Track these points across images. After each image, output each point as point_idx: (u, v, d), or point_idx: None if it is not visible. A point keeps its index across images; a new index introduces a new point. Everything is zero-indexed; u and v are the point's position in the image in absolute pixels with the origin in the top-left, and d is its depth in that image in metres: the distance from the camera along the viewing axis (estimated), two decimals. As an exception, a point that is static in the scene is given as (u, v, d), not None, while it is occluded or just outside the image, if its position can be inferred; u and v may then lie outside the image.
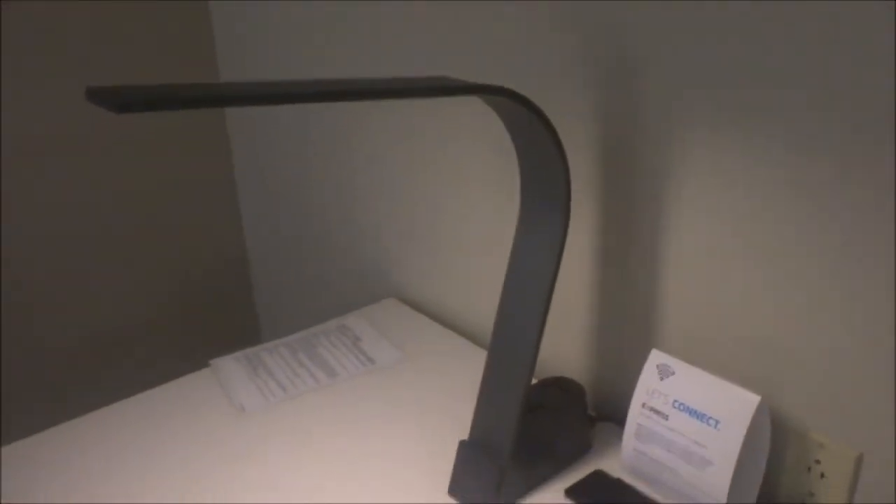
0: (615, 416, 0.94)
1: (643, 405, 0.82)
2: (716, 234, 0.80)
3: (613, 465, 0.87)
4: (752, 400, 0.75)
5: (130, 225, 1.60)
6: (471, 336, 1.18)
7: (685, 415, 0.79)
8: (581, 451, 0.89)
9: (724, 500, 0.76)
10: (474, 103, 1.03)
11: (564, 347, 1.01)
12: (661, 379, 0.81)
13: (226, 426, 0.97)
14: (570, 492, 0.84)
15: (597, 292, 0.95)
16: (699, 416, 0.78)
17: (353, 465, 0.89)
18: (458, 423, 0.94)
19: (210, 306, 1.77)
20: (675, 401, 0.80)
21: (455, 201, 1.13)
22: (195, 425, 0.97)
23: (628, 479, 0.85)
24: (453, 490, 0.84)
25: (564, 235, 0.76)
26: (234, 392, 1.04)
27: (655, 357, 0.82)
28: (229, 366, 1.10)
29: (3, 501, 0.84)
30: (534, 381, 0.93)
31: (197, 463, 0.90)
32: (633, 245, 0.89)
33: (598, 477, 0.86)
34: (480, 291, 1.15)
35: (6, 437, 0.94)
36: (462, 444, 0.85)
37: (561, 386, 0.91)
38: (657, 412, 0.81)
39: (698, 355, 0.85)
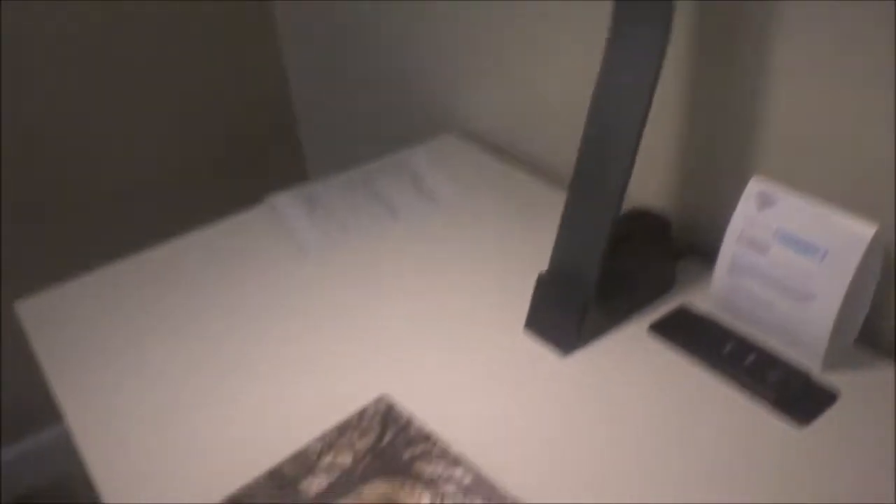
0: (702, 250, 0.88)
1: (739, 236, 0.76)
2: (834, 43, 0.71)
3: (699, 301, 0.82)
4: (865, 231, 0.68)
5: (165, 65, 1.52)
6: (538, 172, 1.11)
7: (787, 246, 0.72)
8: (665, 286, 0.84)
9: (827, 336, 0.71)
10: None
11: (648, 176, 0.94)
12: (761, 208, 0.75)
13: (285, 264, 0.93)
14: (654, 328, 0.79)
15: (687, 111, 0.87)
16: (804, 247, 0.71)
17: (422, 303, 0.85)
18: (531, 259, 0.88)
19: (253, 147, 1.71)
20: (777, 231, 0.73)
21: (523, 20, 1.03)
22: (253, 262, 0.93)
23: (716, 316, 0.80)
24: (531, 325, 0.80)
25: (667, 36, 0.67)
26: (293, 229, 0.99)
27: (756, 184, 0.75)
28: (285, 202, 1.05)
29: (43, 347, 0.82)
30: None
31: (257, 300, 0.87)
32: (734, 52, 0.80)
33: (684, 313, 0.81)
34: (550, 123, 1.07)
35: (60, 276, 0.92)
36: (541, 277, 0.80)
37: (645, 218, 0.85)
38: (755, 244, 0.75)
39: (804, 184, 0.78)
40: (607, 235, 0.74)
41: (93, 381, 0.77)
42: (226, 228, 1.01)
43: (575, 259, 0.77)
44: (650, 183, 0.93)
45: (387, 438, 0.67)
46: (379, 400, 0.71)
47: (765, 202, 0.75)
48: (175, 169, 1.61)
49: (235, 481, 0.65)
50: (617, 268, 0.77)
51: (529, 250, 0.91)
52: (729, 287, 0.78)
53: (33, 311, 0.87)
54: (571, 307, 0.77)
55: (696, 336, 0.78)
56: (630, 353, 0.76)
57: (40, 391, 0.78)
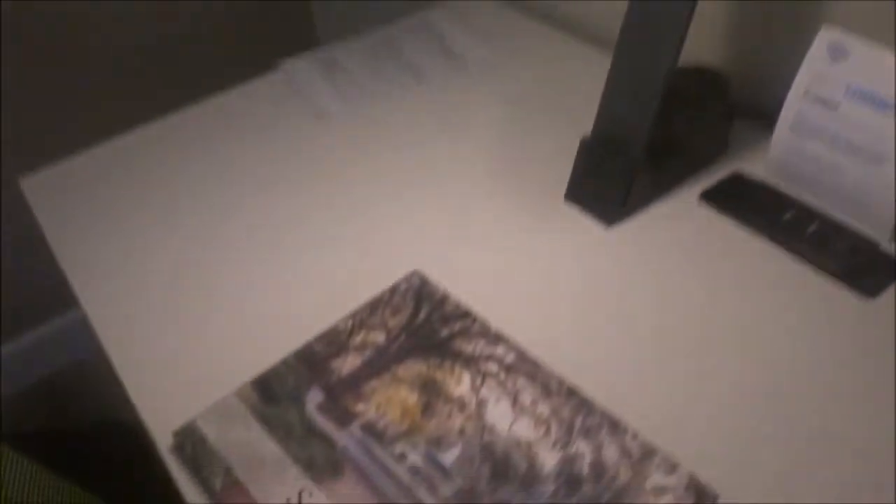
0: (759, 111, 0.80)
1: (805, 93, 0.69)
2: None
3: (755, 167, 0.75)
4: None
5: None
6: (577, 33, 1.01)
7: (860, 103, 0.65)
8: (717, 151, 0.77)
9: (899, 202, 0.64)
10: None
11: (702, 27, 0.85)
12: (832, 62, 0.67)
13: (305, 132, 0.86)
14: (706, 196, 0.73)
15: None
16: (880, 103, 0.64)
17: (453, 172, 0.79)
18: (571, 124, 0.81)
19: (258, 11, 1.61)
20: (849, 86, 0.66)
21: None
22: (270, 130, 0.87)
23: (774, 182, 0.73)
24: (572, 195, 0.74)
25: None
26: (312, 95, 0.92)
27: (826, 34, 0.67)
28: (302, 67, 0.97)
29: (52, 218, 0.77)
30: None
31: (276, 170, 0.81)
32: None
33: (738, 179, 0.75)
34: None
35: (64, 152, 0.86)
36: (583, 142, 0.73)
37: (699, 75, 0.77)
38: (823, 101, 0.67)
39: (879, 34, 0.69)
40: (659, 93, 0.67)
41: (105, 259, 0.72)
42: (239, 95, 0.94)
43: (622, 121, 0.70)
44: (704, 35, 0.85)
45: (421, 316, 0.63)
46: (411, 275, 0.67)
47: (836, 54, 0.67)
48: (175, 34, 1.52)
49: (262, 362, 0.61)
50: (666, 130, 0.70)
51: (569, 115, 0.84)
52: (790, 150, 0.71)
53: (38, 188, 0.82)
54: (617, 174, 0.71)
55: (752, 204, 0.72)
56: (679, 223, 0.71)
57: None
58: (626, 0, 0.67)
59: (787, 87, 0.69)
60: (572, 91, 0.88)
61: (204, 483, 0.54)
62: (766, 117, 0.75)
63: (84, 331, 0.80)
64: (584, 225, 0.71)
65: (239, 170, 0.81)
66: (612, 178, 0.71)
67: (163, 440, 0.57)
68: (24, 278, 1.53)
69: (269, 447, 0.54)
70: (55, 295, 1.52)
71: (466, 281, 0.66)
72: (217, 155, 0.84)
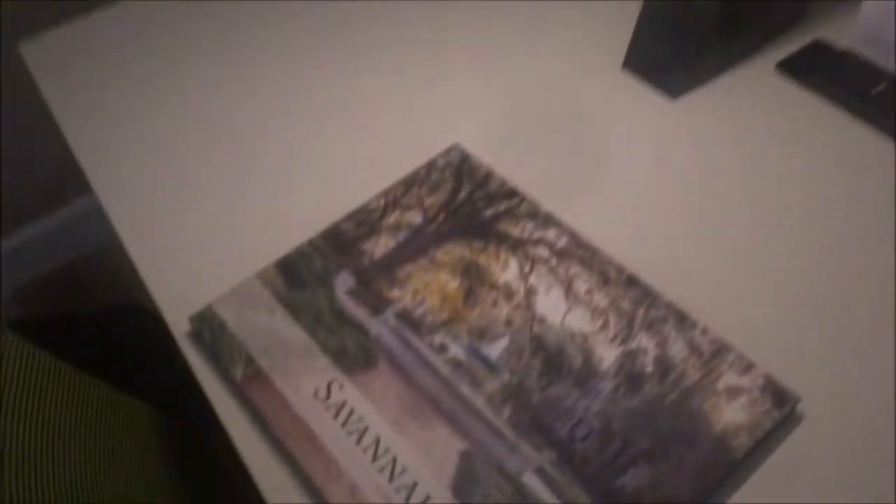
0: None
1: (912, -56, 0.59)
2: None
3: (838, 36, 0.66)
4: None
5: None
6: None
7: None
8: (796, 16, 0.68)
9: None
10: None
11: None
12: None
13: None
14: (783, 65, 0.65)
15: None
16: None
17: (496, 35, 0.70)
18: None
19: None
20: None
21: None
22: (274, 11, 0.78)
23: (861, 51, 0.64)
24: (631, 63, 0.65)
25: None
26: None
27: None
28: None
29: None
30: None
31: (301, 35, 0.73)
32: None
33: (820, 48, 0.66)
34: None
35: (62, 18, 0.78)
36: (646, 4, 0.64)
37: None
38: (933, -47, 0.58)
39: None
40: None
41: (116, 135, 0.65)
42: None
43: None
44: None
45: (462, 194, 0.56)
46: (451, 150, 0.60)
47: None
48: None
49: (286, 244, 0.55)
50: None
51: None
52: (882, 14, 0.62)
53: (40, 53, 0.74)
54: (686, 40, 0.62)
55: (837, 75, 0.63)
56: (753, 95, 0.63)
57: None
58: None
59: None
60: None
61: (223, 372, 0.49)
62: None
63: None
64: (644, 96, 0.63)
65: (260, 39, 0.73)
66: (680, 45, 0.62)
67: (180, 326, 0.51)
68: (43, 160, 1.47)
69: (295, 334, 0.49)
70: (79, 177, 1.47)
71: (512, 158, 0.59)
72: (235, 23, 0.76)
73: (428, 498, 0.42)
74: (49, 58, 0.73)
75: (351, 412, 0.45)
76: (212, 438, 0.87)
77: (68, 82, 0.70)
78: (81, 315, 1.23)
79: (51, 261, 1.60)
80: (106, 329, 1.24)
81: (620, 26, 0.68)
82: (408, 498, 0.42)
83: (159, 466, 0.69)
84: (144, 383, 1.12)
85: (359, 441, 0.44)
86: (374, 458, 0.43)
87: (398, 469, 0.43)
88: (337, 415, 0.45)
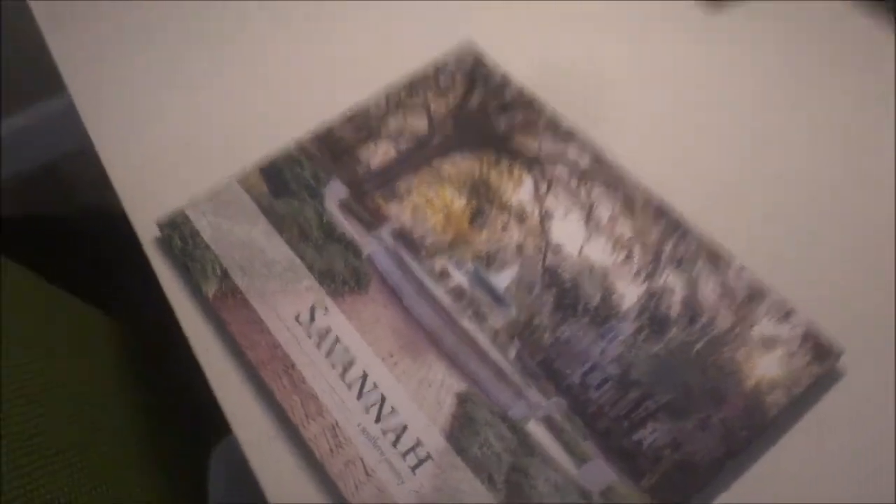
0: None
1: None
2: None
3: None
4: None
5: None
6: None
7: None
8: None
9: None
10: None
11: None
12: None
13: None
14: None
15: None
16: None
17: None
18: None
19: None
20: None
21: None
22: None
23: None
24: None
25: None
26: None
27: None
28: None
29: None
30: None
31: None
32: None
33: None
34: None
35: None
36: None
37: None
38: None
39: None
40: None
41: (92, 38, 0.58)
42: None
43: None
44: None
45: (474, 100, 0.50)
46: (463, 48, 0.52)
47: None
48: None
49: (273, 146, 0.49)
50: None
51: None
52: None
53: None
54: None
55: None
56: (800, 9, 0.55)
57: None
58: None
59: None
60: None
61: (194, 287, 0.43)
62: None
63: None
64: (679, 4, 0.56)
65: None
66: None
67: (148, 232, 0.45)
68: (27, 56, 1.38)
69: (278, 249, 0.43)
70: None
71: (532, 62, 0.52)
72: None
73: (418, 444, 0.37)
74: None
75: (336, 341, 0.40)
76: (178, 356, 0.83)
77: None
78: (55, 217, 1.17)
79: (34, 157, 1.53)
80: (77, 233, 1.18)
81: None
82: (395, 442, 0.37)
83: (114, 384, 0.65)
84: (111, 292, 1.07)
85: (343, 375, 0.39)
86: (360, 395, 0.38)
87: (386, 409, 0.38)
88: (320, 343, 0.40)
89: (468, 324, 0.40)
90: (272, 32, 0.55)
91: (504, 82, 0.50)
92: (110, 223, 1.19)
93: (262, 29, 0.56)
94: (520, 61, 0.52)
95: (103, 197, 1.42)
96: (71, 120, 1.52)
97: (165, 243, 0.45)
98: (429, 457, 0.36)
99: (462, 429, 0.37)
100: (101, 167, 1.42)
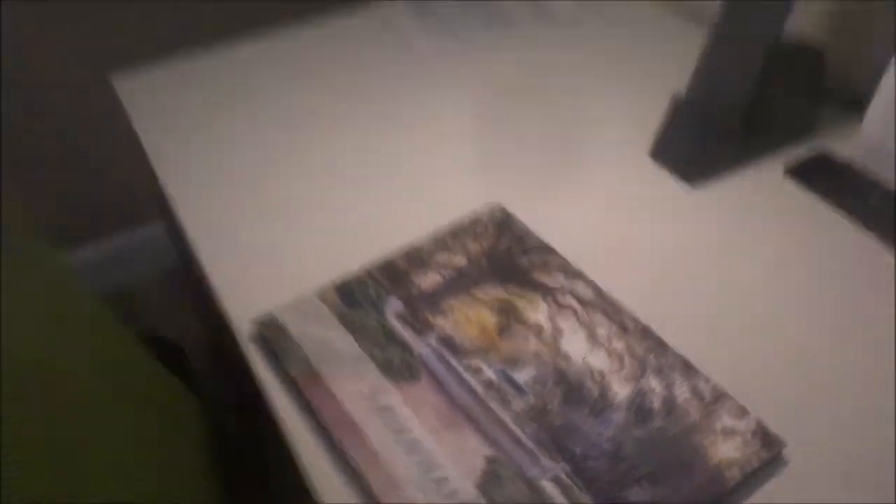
0: (850, 95, 0.80)
1: (909, 77, 0.68)
2: None
3: (842, 149, 0.75)
4: None
5: None
6: (669, 6, 1.01)
7: (966, 91, 0.65)
8: (806, 127, 0.77)
9: None
10: None
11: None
12: (942, 47, 0.66)
13: (394, 64, 0.88)
14: (791, 171, 0.73)
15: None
16: None
17: (538, 115, 0.80)
18: (656, 86, 0.82)
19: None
20: (956, 74, 0.65)
21: None
22: (362, 59, 0.88)
23: (862, 165, 0.73)
24: (657, 152, 0.74)
25: None
26: (404, 33, 0.93)
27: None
28: (395, 6, 0.98)
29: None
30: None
31: (366, 93, 0.82)
32: None
33: (825, 159, 0.75)
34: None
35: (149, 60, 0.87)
36: (675, 100, 0.73)
37: (798, 50, 0.76)
38: (927, 86, 0.67)
39: None
40: (760, 62, 0.67)
41: (195, 160, 0.74)
42: (330, 28, 0.95)
43: (718, 84, 0.70)
44: (806, 9, 0.84)
45: (502, 245, 0.64)
46: (493, 207, 0.68)
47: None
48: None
49: (342, 270, 0.63)
50: (759, 100, 0.71)
51: (655, 78, 0.84)
52: (882, 133, 0.71)
53: (129, 86, 0.84)
54: (707, 136, 0.71)
55: (839, 183, 0.72)
56: (763, 193, 0.71)
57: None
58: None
59: (883, 70, 0.69)
60: (656, 54, 0.88)
61: (282, 370, 0.55)
62: (857, 102, 0.74)
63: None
64: (665, 182, 0.72)
65: (329, 92, 0.83)
66: (702, 140, 0.71)
67: (242, 328, 0.58)
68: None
69: (348, 346, 0.56)
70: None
71: (546, 221, 0.67)
72: (310, 76, 0.85)
73: (456, 492, 0.48)
74: (139, 90, 0.83)
75: (393, 414, 0.52)
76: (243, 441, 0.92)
77: (154, 111, 0.79)
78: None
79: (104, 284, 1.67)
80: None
81: (646, 120, 0.77)
82: (438, 490, 0.48)
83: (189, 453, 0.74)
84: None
85: (398, 439, 0.50)
86: (411, 453, 0.50)
87: (431, 465, 0.49)
88: (380, 414, 0.52)
89: (496, 406, 0.53)
90: (345, 182, 0.71)
91: (526, 233, 0.65)
92: (164, 349, 1.31)
93: (338, 178, 0.71)
94: (537, 220, 0.67)
95: (156, 328, 1.55)
96: (138, 252, 1.67)
97: (258, 336, 0.58)
98: (464, 502, 0.48)
99: (490, 483, 0.49)
100: (164, 298, 1.56)
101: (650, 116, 0.78)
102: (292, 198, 0.70)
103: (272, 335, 0.57)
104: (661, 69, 0.85)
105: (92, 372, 0.60)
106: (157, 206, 0.83)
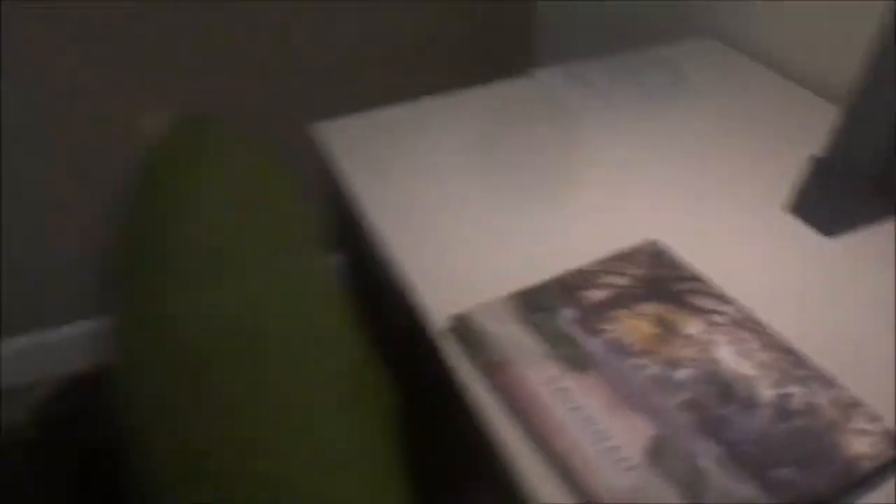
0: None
1: None
2: None
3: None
4: None
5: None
6: (810, 86, 1.12)
7: None
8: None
9: None
10: None
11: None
12: None
13: (558, 126, 1.01)
14: (922, 227, 0.81)
15: None
16: None
17: (688, 171, 0.91)
18: (785, 148, 0.92)
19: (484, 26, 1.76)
20: None
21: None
22: (528, 121, 1.02)
23: None
24: (797, 207, 0.84)
25: None
26: (562, 101, 1.07)
27: None
28: (553, 76, 1.12)
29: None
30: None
31: (537, 149, 0.95)
32: None
33: (954, 219, 0.82)
34: (824, 39, 1.08)
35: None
36: (815, 158, 0.83)
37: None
38: None
39: None
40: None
41: (394, 198, 0.88)
42: (493, 92, 1.09)
43: (857, 143, 0.79)
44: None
45: (658, 272, 0.75)
46: (651, 242, 0.79)
47: None
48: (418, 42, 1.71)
49: (522, 281, 0.75)
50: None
51: (782, 141, 0.94)
52: None
53: (331, 133, 0.99)
54: (845, 192, 0.80)
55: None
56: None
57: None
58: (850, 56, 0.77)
59: None
60: (781, 122, 0.99)
61: (477, 358, 0.67)
62: None
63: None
64: (804, 232, 0.82)
65: (505, 148, 0.97)
66: (841, 196, 0.81)
67: (438, 321, 0.71)
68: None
69: (530, 341, 0.68)
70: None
71: (696, 259, 0.78)
72: (479, 133, 1.00)
73: (625, 459, 0.58)
74: (340, 136, 0.98)
75: (570, 395, 0.63)
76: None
77: (355, 155, 0.95)
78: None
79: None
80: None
81: (784, 179, 0.87)
82: (610, 455, 0.58)
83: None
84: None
85: (575, 414, 0.61)
86: (586, 426, 0.61)
87: (604, 436, 0.60)
88: (560, 395, 0.63)
89: (658, 397, 0.63)
90: (527, 216, 0.84)
91: (679, 265, 0.76)
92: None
93: (521, 213, 0.84)
94: (689, 255, 0.78)
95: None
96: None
97: (454, 329, 0.70)
98: (634, 466, 0.58)
99: (654, 455, 0.59)
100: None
101: (783, 175, 0.88)
102: (481, 226, 0.83)
103: (468, 329, 0.69)
104: (786, 134, 0.96)
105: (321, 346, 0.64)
106: (337, 238, 0.97)
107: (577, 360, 0.66)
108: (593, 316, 0.70)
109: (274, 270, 0.61)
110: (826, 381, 0.64)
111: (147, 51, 1.47)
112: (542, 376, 0.65)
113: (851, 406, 0.62)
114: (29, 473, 1.38)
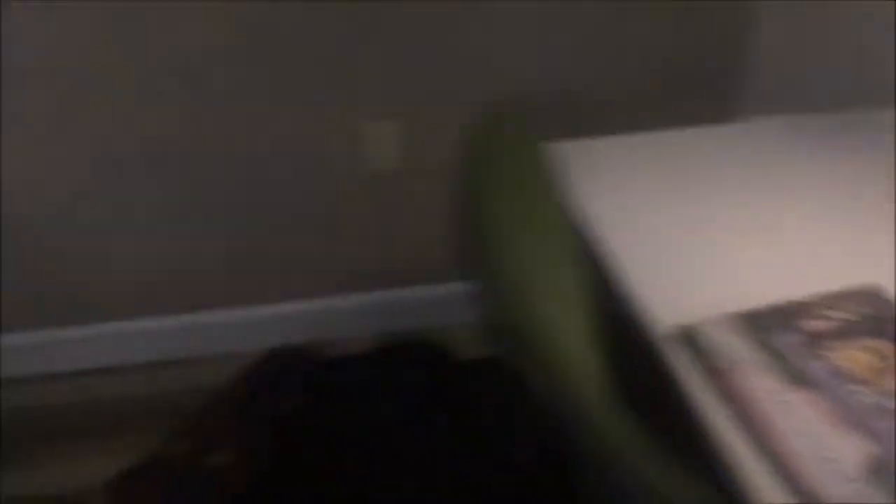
0: None
1: None
2: None
3: None
4: None
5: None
6: None
7: None
8: None
9: None
10: None
11: None
12: None
13: (774, 170, 1.06)
14: None
15: None
16: None
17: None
18: None
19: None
20: None
21: None
22: (745, 165, 1.08)
23: None
24: None
25: None
26: (774, 148, 1.12)
27: None
28: (768, 125, 1.18)
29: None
30: None
31: (755, 191, 1.02)
32: None
33: None
34: None
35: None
36: None
37: None
38: None
39: None
40: None
41: (621, 216, 0.97)
42: (720, 133, 1.16)
43: None
44: None
45: (879, 313, 0.79)
46: (870, 285, 0.83)
47: None
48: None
49: (745, 303, 0.81)
50: None
51: None
52: None
53: (570, 152, 1.09)
54: None
55: None
56: None
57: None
58: None
59: None
60: None
61: (704, 365, 0.74)
62: None
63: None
64: None
65: (719, 186, 1.04)
66: None
67: (659, 328, 0.78)
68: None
69: (752, 356, 0.74)
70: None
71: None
72: (708, 167, 1.07)
73: (843, 470, 0.64)
74: (578, 157, 1.08)
75: (790, 407, 0.69)
76: None
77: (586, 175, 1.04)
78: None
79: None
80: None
81: None
82: (828, 464, 0.64)
83: None
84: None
85: (794, 423, 0.67)
86: (808, 436, 0.66)
87: (822, 446, 0.65)
88: (781, 406, 0.69)
89: (877, 422, 0.68)
90: (750, 248, 0.90)
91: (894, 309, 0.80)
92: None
93: (743, 245, 0.91)
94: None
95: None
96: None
97: (681, 337, 0.78)
98: (854, 479, 0.63)
99: (874, 470, 0.64)
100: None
101: None
102: (706, 247, 0.90)
103: (693, 337, 0.76)
104: None
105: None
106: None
107: (799, 378, 0.72)
108: (814, 342, 0.75)
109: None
110: None
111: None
112: (764, 386, 0.71)
113: None
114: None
